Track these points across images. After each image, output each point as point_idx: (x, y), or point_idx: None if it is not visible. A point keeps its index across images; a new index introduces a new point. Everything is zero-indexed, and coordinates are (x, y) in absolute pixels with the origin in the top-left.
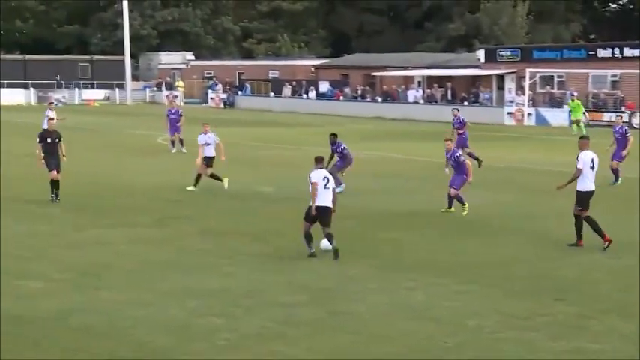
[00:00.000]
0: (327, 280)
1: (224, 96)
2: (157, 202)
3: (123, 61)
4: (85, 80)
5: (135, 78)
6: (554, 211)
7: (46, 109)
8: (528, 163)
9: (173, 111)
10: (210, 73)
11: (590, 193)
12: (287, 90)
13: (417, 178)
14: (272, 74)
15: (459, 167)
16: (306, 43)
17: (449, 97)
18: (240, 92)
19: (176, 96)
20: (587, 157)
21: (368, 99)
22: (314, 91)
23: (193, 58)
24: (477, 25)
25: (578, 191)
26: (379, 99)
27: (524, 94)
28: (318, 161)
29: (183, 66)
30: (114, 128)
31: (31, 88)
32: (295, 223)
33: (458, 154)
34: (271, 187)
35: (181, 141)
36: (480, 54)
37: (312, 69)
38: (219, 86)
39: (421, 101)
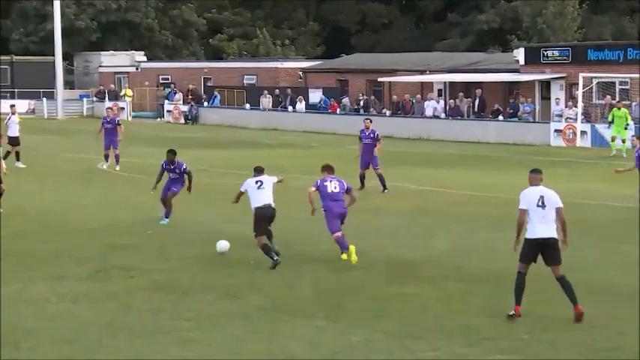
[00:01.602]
0: (321, 350)
1: (185, 108)
2: (96, 247)
3: (53, 63)
4: (3, 88)
5: (68, 85)
6: (616, 259)
7: None
8: (581, 197)
9: (109, 119)
10: (167, 79)
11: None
12: (267, 100)
13: (436, 215)
14: (248, 80)
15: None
16: (291, 39)
17: (477, 109)
18: (206, 104)
19: (122, 108)
20: (532, 193)
21: (372, 112)
22: (302, 102)
23: (145, 59)
24: (515, 17)
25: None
26: (387, 112)
27: (576, 105)
28: (257, 171)
29: (132, 69)
30: (42, 150)
31: None
32: (274, 274)
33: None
34: (242, 225)
35: (117, 157)
36: (519, 54)
37: (300, 73)
38: (179, 96)
39: (442, 115)
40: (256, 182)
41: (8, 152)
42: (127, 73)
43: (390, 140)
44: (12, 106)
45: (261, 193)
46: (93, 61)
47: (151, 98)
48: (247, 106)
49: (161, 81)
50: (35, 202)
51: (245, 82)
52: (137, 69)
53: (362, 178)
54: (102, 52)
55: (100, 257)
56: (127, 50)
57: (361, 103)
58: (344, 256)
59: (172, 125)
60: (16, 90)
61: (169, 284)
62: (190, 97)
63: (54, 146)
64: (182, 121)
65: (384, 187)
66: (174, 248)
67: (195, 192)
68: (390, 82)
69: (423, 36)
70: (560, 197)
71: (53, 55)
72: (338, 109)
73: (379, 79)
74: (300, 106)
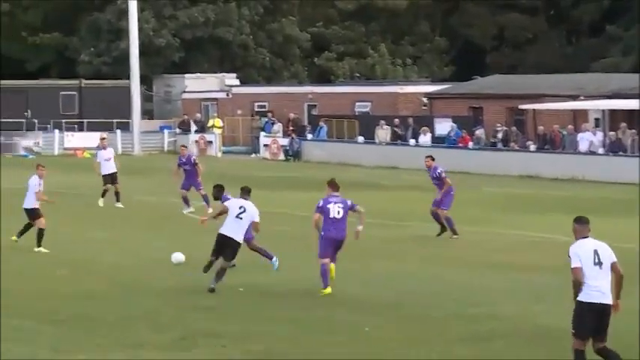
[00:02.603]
0: None
1: (285, 142)
2: (176, 309)
3: (128, 88)
4: (69, 118)
5: (147, 114)
6: None
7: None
8: None
9: (184, 160)
10: (264, 107)
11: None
12: (384, 132)
13: None
14: (361, 108)
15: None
16: (414, 58)
17: None
18: (310, 136)
19: (209, 142)
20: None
21: (514, 147)
22: (427, 135)
23: (237, 82)
24: None
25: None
26: (531, 146)
27: None
28: (244, 191)
29: (222, 95)
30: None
31: None
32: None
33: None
34: (361, 288)
35: (205, 197)
36: None
37: (425, 100)
38: (278, 127)
39: (600, 150)
40: (239, 207)
41: (105, 191)
42: (216, 99)
43: (536, 181)
44: (102, 138)
45: (235, 223)
46: (175, 85)
47: (244, 130)
48: (360, 139)
49: (256, 109)
50: (105, 255)
51: (357, 110)
52: (228, 95)
53: (434, 216)
54: (186, 75)
55: (182, 321)
56: (216, 72)
57: (499, 135)
58: (325, 291)
59: (269, 162)
60: (84, 120)
61: (267, 354)
62: (291, 128)
63: (128, 188)
64: (281, 157)
65: (453, 232)
66: (269, 310)
67: (297, 243)
68: (534, 109)
69: (575, 53)
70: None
71: (128, 78)
72: (470, 143)
73: (521, 107)
74: (425, 138)
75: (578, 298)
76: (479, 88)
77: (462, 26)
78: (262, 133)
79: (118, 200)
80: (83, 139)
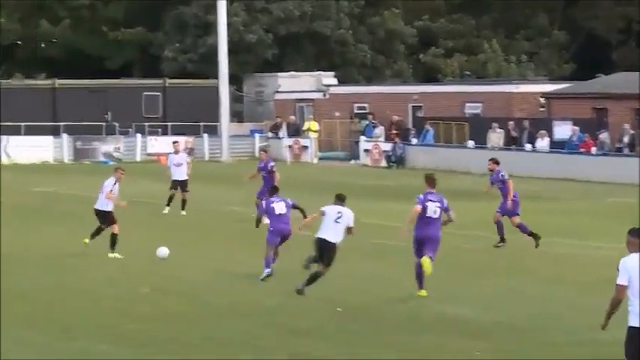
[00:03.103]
0: None
1: (387, 147)
2: (272, 332)
3: (216, 88)
4: (152, 121)
5: (236, 117)
6: None
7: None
8: None
9: (262, 165)
10: (364, 108)
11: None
12: (497, 136)
13: None
14: (471, 109)
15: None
16: (530, 54)
17: None
18: (415, 140)
19: (304, 147)
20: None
21: None
22: (545, 139)
23: (335, 81)
24: None
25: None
26: None
27: None
28: (339, 199)
29: (319, 95)
30: (199, 203)
31: (64, 136)
32: None
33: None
34: (474, 307)
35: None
36: None
37: (542, 100)
38: (380, 130)
39: None
40: (337, 212)
41: (171, 197)
42: (312, 100)
43: None
44: (175, 142)
45: (335, 228)
46: (268, 85)
47: (342, 134)
48: (470, 143)
49: (356, 111)
50: (188, 272)
51: (467, 111)
52: (325, 95)
53: (498, 224)
54: (279, 74)
55: (286, 346)
56: (312, 71)
57: (625, 139)
58: (420, 293)
59: (370, 169)
60: (168, 124)
61: None
62: (395, 131)
63: (215, 198)
64: (383, 163)
65: (501, 240)
66: (374, 334)
67: (398, 257)
68: None
69: None
70: None
71: (216, 77)
72: (593, 148)
73: None
74: (542, 143)
75: (629, 324)
76: (603, 87)
77: (584, 18)
78: (362, 138)
79: (183, 208)
80: (167, 144)
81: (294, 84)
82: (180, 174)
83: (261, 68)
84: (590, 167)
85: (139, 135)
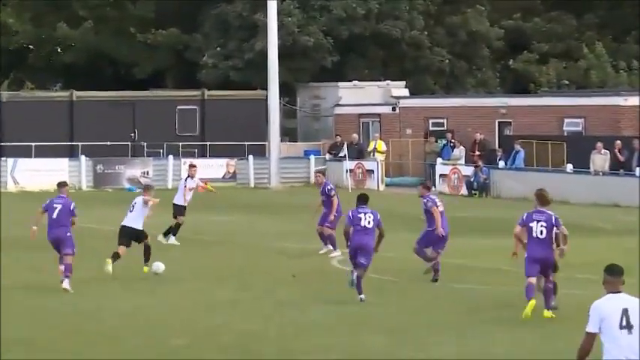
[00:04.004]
0: None
1: (469, 171)
2: None
3: (265, 101)
4: (187, 140)
5: (288, 135)
6: None
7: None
8: None
9: (320, 189)
10: (442, 124)
11: None
12: (601, 159)
13: None
14: (570, 126)
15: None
16: None
17: None
18: (502, 163)
19: (370, 171)
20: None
21: None
22: None
23: (406, 92)
24: None
25: None
26: None
27: None
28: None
29: (387, 109)
30: (244, 237)
31: (82, 158)
32: None
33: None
34: None
35: (323, 237)
36: None
37: None
38: (460, 151)
39: None
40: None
41: (171, 227)
42: (379, 115)
43: None
44: (192, 166)
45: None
46: (326, 97)
47: (415, 155)
48: (569, 167)
49: (432, 128)
50: (234, 319)
51: (566, 129)
52: (394, 109)
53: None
54: (340, 84)
55: None
56: (379, 80)
57: None
58: (529, 306)
59: (447, 198)
60: (207, 143)
61: None
62: (477, 153)
63: (263, 231)
64: (464, 191)
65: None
66: None
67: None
68: None
69: None
70: None
71: (265, 88)
72: None
73: None
74: None
75: None
76: None
77: None
78: (439, 160)
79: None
80: (206, 168)
81: (358, 95)
82: (179, 198)
83: (318, 77)
84: None
85: (171, 157)
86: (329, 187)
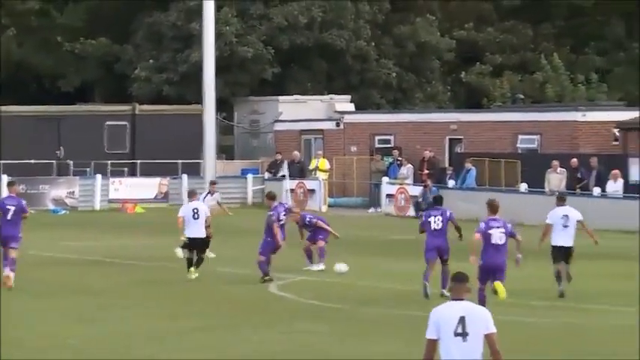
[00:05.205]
0: None
1: (417, 191)
2: None
3: (200, 117)
4: (117, 158)
5: (225, 152)
6: None
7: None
8: None
9: (303, 222)
10: (388, 141)
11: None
12: (557, 178)
13: None
14: (525, 143)
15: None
16: (602, 73)
17: None
18: (452, 183)
19: (311, 191)
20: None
21: None
22: (618, 181)
23: (351, 107)
24: None
25: None
26: None
27: None
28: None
29: (330, 125)
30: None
31: (4, 177)
32: None
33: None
34: None
35: (321, 252)
36: None
37: (616, 132)
38: (407, 170)
39: None
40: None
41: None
42: (322, 131)
43: None
44: (212, 182)
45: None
46: (265, 111)
47: (359, 174)
48: (523, 186)
49: (378, 144)
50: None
51: (520, 146)
52: (338, 124)
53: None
54: (280, 98)
55: None
56: (323, 94)
57: None
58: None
59: (394, 220)
60: (138, 161)
61: None
62: (426, 171)
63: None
64: (411, 212)
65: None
66: None
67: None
68: None
69: None
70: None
71: (200, 103)
72: None
73: None
74: (614, 186)
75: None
76: None
77: None
78: (385, 179)
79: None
80: (136, 188)
81: (300, 110)
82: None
83: (257, 91)
84: None
85: (99, 176)
86: (308, 218)
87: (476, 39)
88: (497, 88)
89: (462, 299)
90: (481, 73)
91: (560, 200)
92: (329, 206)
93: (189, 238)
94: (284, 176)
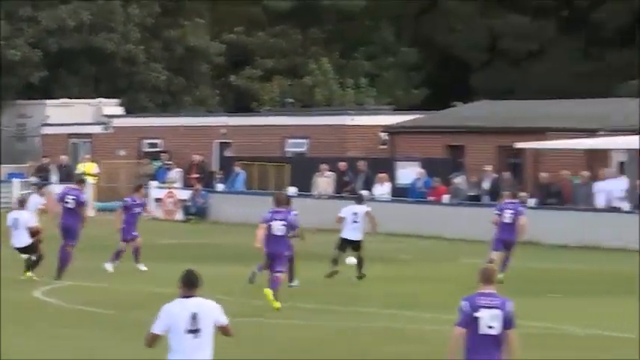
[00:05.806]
0: None
1: (185, 195)
2: None
3: None
4: None
5: None
6: None
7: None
8: None
9: (136, 201)
10: (155, 145)
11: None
12: (325, 181)
13: None
14: (294, 147)
15: None
16: (371, 77)
17: None
18: (221, 186)
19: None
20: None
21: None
22: (385, 184)
23: (120, 111)
24: None
25: None
26: (530, 200)
27: None
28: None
29: (98, 129)
30: None
31: None
32: None
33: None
34: None
35: (137, 251)
36: None
37: (383, 135)
38: (176, 173)
39: (625, 206)
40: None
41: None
42: (90, 135)
43: (535, 249)
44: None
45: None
46: (33, 115)
47: (128, 178)
48: (292, 190)
49: (146, 149)
50: None
51: (289, 149)
52: (106, 128)
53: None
54: (48, 102)
55: None
56: (91, 97)
57: (485, 185)
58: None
59: (162, 224)
60: None
61: None
62: (195, 175)
63: None
64: (179, 216)
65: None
66: None
67: None
68: (536, 149)
69: (595, 73)
70: None
71: None
72: (446, 196)
73: (517, 145)
74: (382, 189)
75: None
76: (460, 119)
77: (438, 32)
78: (153, 183)
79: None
80: None
81: (68, 114)
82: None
83: (24, 95)
84: (441, 220)
85: None
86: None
87: (245, 43)
88: (267, 92)
89: (192, 297)
90: (251, 77)
91: (359, 200)
92: (97, 210)
93: None
94: (51, 180)
